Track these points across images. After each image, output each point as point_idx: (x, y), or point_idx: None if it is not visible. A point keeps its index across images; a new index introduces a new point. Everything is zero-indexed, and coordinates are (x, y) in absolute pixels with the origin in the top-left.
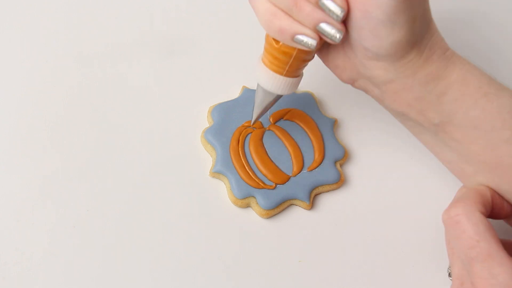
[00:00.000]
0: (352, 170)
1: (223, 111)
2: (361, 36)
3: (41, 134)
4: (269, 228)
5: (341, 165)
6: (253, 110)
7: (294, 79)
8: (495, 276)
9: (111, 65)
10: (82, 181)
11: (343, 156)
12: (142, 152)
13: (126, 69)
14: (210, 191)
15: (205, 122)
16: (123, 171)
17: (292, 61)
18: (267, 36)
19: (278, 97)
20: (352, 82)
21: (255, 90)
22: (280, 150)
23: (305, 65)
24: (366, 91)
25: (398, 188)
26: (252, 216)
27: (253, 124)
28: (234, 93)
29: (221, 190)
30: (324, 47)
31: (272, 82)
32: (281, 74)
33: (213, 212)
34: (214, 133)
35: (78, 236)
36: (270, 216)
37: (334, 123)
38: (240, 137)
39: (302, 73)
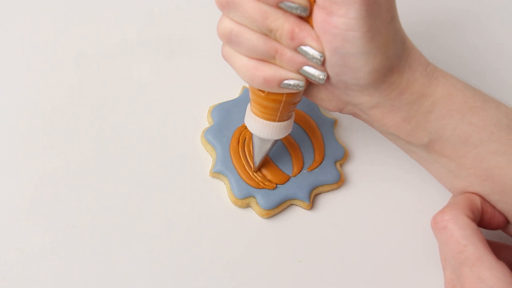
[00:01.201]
0: (352, 170)
1: (223, 111)
2: (338, 72)
3: (41, 134)
4: (269, 228)
5: (341, 165)
6: (253, 157)
7: (288, 121)
8: (484, 280)
9: (111, 65)
10: (82, 181)
11: (343, 156)
12: (142, 152)
13: (126, 69)
14: (210, 191)
15: (205, 122)
16: (123, 171)
17: (282, 107)
18: (251, 87)
19: (276, 140)
20: (339, 110)
21: None
22: (280, 150)
23: (295, 106)
24: (354, 115)
25: (398, 188)
26: (252, 216)
27: (256, 171)
28: (234, 93)
29: (221, 190)
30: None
31: (267, 131)
32: (274, 121)
33: (213, 212)
34: (214, 133)
35: (78, 236)
36: (270, 216)
37: (334, 123)
38: (240, 137)
39: (294, 112)
